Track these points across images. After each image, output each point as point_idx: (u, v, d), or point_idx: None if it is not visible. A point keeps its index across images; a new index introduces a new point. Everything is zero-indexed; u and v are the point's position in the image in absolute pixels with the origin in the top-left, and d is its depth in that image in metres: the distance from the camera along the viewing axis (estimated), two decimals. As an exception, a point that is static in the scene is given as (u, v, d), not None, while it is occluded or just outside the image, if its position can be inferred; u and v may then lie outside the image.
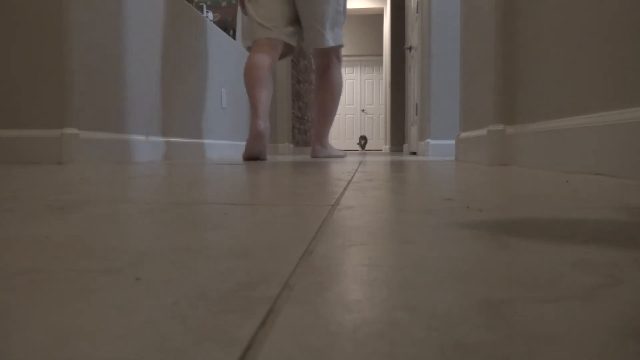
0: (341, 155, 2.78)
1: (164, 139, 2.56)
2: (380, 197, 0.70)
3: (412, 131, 4.74)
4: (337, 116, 8.59)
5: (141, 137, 2.34)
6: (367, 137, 9.81)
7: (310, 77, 6.80)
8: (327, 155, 2.64)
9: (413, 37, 4.63)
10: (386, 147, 8.21)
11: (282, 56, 2.39)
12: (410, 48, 4.83)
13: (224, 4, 3.95)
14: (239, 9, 3.97)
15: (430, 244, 0.37)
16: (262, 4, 2.24)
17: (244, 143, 3.97)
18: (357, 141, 9.65)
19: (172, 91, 2.67)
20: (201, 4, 3.82)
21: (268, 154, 3.72)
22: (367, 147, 9.76)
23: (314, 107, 2.62)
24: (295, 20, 2.33)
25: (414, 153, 4.52)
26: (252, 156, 2.25)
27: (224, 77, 3.51)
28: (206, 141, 3.16)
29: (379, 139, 10.03)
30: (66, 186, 0.87)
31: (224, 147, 3.50)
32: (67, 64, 1.85)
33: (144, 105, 2.37)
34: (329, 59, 2.46)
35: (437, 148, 3.53)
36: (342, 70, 2.68)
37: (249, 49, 2.39)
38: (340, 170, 1.48)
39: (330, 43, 2.36)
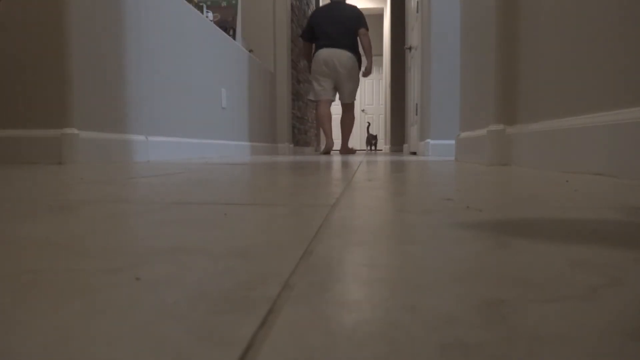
0: (354, 152, 4.48)
1: (165, 139, 2.56)
2: (380, 197, 0.70)
3: (412, 131, 4.74)
4: (336, 116, 8.51)
5: (141, 137, 2.34)
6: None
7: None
8: (348, 152, 4.38)
9: (413, 37, 4.63)
10: (386, 147, 8.21)
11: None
12: (410, 48, 4.83)
13: (224, 4, 3.95)
14: (239, 9, 3.97)
15: (430, 244, 0.37)
16: (322, 84, 4.11)
17: (244, 143, 3.98)
18: (366, 141, 8.33)
19: (172, 91, 2.67)
20: (201, 4, 3.82)
21: (268, 154, 4.49)
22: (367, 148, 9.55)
23: (342, 127, 4.41)
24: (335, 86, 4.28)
25: (414, 153, 4.52)
26: (327, 152, 4.30)
27: (224, 77, 3.51)
28: (206, 141, 3.16)
29: (379, 139, 10.03)
30: (66, 186, 0.87)
31: (223, 147, 3.50)
32: (67, 64, 1.85)
33: (143, 105, 2.37)
34: (351, 105, 4.41)
35: (437, 148, 3.53)
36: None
37: (314, 101, 4.31)
38: (340, 170, 1.48)
39: (353, 100, 4.37)
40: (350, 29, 3.84)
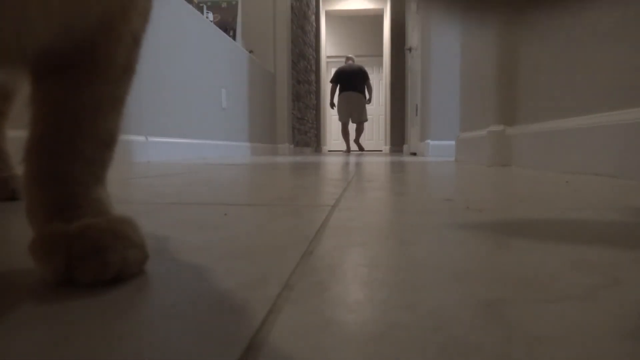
0: (363, 149, 6.92)
1: (165, 140, 2.56)
2: (380, 197, 0.70)
3: (412, 132, 4.74)
4: (334, 116, 8.55)
5: (141, 138, 2.34)
6: (367, 137, 9.64)
7: (310, 78, 6.82)
8: (359, 146, 6.76)
9: (413, 37, 4.63)
10: (386, 148, 8.20)
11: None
12: (410, 49, 4.83)
13: (224, 4, 3.96)
14: (239, 10, 3.98)
15: (431, 244, 0.37)
16: (343, 111, 6.49)
17: (244, 144, 3.99)
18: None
19: (172, 91, 2.67)
20: (201, 4, 3.82)
21: (268, 155, 4.41)
22: (366, 148, 9.50)
23: (355, 132, 6.67)
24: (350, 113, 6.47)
25: (414, 154, 4.52)
26: (347, 151, 6.53)
27: (224, 77, 3.51)
28: (206, 141, 3.17)
29: (379, 139, 10.02)
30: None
31: (223, 147, 3.50)
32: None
33: (143, 106, 2.37)
34: (360, 122, 6.64)
35: (437, 149, 3.53)
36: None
37: (340, 121, 6.61)
38: (340, 170, 1.48)
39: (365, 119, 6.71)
40: (359, 80, 6.59)
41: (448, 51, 3.45)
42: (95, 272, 0.25)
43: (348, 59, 6.91)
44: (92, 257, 0.25)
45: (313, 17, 7.23)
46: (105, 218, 0.28)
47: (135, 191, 0.79)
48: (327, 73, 8.84)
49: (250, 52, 4.35)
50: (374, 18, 9.38)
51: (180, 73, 2.78)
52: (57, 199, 0.29)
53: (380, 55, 9.30)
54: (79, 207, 0.29)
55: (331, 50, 9.34)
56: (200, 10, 3.71)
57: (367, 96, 6.71)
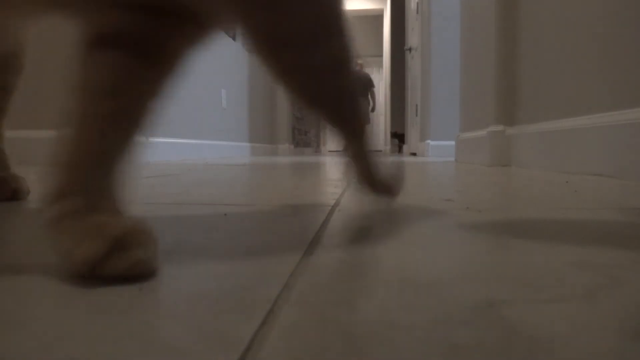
0: None
1: (165, 140, 2.56)
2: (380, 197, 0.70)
3: (412, 132, 4.74)
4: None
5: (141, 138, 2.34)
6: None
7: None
8: None
9: (413, 38, 4.63)
10: (386, 148, 8.21)
11: None
12: (410, 49, 4.83)
13: (224, 4, 3.95)
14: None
15: (431, 244, 0.37)
16: None
17: (244, 144, 3.99)
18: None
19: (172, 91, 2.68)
20: (201, 4, 3.81)
21: (268, 155, 4.49)
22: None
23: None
24: None
25: (414, 154, 4.52)
26: None
27: (224, 77, 3.51)
28: (206, 142, 3.16)
29: (379, 139, 10.03)
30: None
31: (223, 147, 3.50)
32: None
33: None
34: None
35: (437, 149, 3.53)
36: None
37: None
38: (340, 171, 1.48)
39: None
40: (364, 86, 6.68)
41: (448, 51, 3.45)
42: (127, 267, 0.26)
43: (357, 64, 7.22)
44: (129, 252, 0.27)
45: (313, 17, 7.25)
46: (132, 217, 0.30)
47: (135, 192, 0.79)
48: (327, 73, 8.85)
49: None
50: (374, 18, 9.39)
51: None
52: (91, 183, 0.31)
53: (380, 55, 9.31)
54: (106, 197, 0.31)
55: (331, 50, 9.33)
56: (200, 10, 3.69)
57: (370, 104, 6.93)
